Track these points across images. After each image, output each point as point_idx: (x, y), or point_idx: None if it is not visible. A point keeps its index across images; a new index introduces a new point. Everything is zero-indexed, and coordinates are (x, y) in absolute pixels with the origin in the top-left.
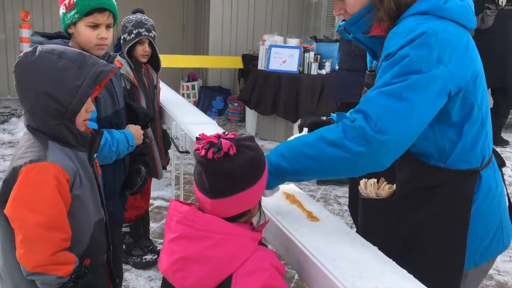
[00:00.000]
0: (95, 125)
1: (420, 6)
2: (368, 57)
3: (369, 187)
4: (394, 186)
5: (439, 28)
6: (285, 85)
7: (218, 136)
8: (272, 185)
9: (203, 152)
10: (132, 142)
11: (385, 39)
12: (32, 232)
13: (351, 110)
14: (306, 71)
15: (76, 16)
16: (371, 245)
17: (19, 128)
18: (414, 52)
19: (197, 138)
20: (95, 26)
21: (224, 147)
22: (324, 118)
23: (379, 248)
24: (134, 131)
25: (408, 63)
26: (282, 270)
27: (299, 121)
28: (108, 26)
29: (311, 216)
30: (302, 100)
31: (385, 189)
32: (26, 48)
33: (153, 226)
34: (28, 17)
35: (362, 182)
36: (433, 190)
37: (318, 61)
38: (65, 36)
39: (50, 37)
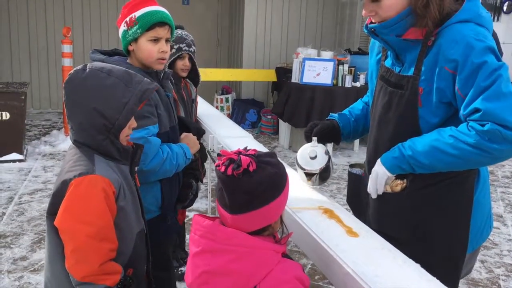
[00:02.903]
0: (158, 140)
1: (463, 14)
2: (371, 66)
3: None
4: (405, 181)
5: (488, 34)
6: (319, 98)
7: (238, 153)
8: (395, 171)
9: (223, 169)
10: (189, 155)
11: (426, 43)
12: (82, 243)
13: (470, 117)
14: (340, 84)
15: (138, 31)
16: (413, 261)
17: (59, 140)
18: (487, 56)
19: (218, 155)
20: (156, 40)
21: (243, 163)
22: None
23: (390, 237)
24: (188, 141)
25: (488, 66)
26: (307, 282)
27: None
28: (167, 40)
29: (351, 232)
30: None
31: (397, 183)
32: (67, 63)
33: (188, 237)
34: (70, 33)
35: None
36: (442, 184)
37: (353, 73)
38: (120, 53)
39: (108, 54)
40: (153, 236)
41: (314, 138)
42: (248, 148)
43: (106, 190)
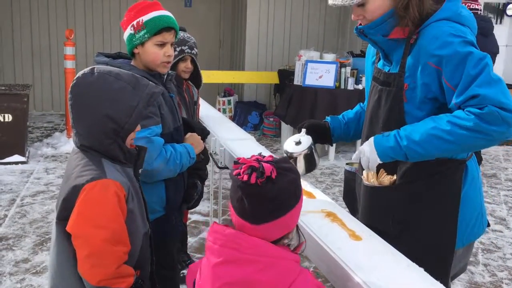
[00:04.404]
0: (161, 140)
1: (443, 13)
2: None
3: (371, 178)
4: (394, 176)
5: (467, 31)
6: (321, 101)
7: (257, 160)
8: (387, 160)
9: (245, 177)
10: (193, 155)
11: (408, 42)
12: (98, 247)
13: (466, 103)
14: (342, 86)
15: (146, 36)
16: (417, 266)
17: (62, 142)
18: (470, 48)
19: (235, 162)
20: (162, 45)
21: (266, 171)
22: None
23: (380, 231)
24: (193, 141)
25: (474, 55)
26: None
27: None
28: (171, 44)
29: (354, 235)
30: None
31: (387, 178)
32: (70, 65)
33: (191, 240)
34: (72, 35)
35: (364, 173)
36: (430, 178)
37: (355, 76)
38: (124, 56)
39: (112, 57)
40: (157, 236)
41: (303, 130)
42: (263, 155)
43: (118, 194)
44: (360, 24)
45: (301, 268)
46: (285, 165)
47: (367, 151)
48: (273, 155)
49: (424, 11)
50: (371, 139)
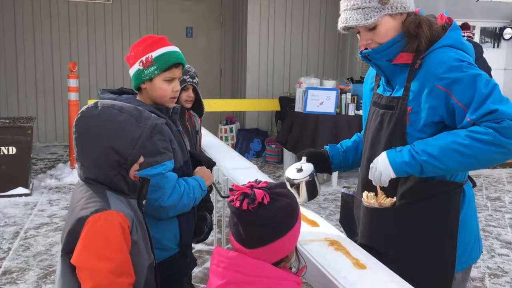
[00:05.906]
0: (175, 175)
1: (446, 40)
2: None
3: (371, 199)
4: (394, 198)
5: (470, 59)
6: (322, 127)
7: (250, 186)
8: (402, 175)
9: (237, 204)
10: (204, 187)
11: (413, 67)
12: (103, 279)
13: (483, 119)
14: (343, 112)
15: (156, 72)
16: None
17: (65, 174)
18: (477, 70)
19: (231, 189)
20: (171, 80)
21: (258, 197)
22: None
23: (380, 253)
24: (202, 173)
25: (482, 76)
26: None
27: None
28: (178, 79)
29: (358, 264)
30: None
31: (387, 200)
32: (73, 97)
33: (195, 270)
34: (75, 68)
35: (364, 194)
36: (430, 200)
37: (355, 102)
38: (127, 91)
39: (117, 93)
40: (171, 274)
41: (304, 157)
42: (258, 180)
43: (123, 225)
44: (366, 49)
45: None
46: (279, 190)
47: (379, 166)
48: (269, 180)
49: (433, 30)
50: (383, 154)
